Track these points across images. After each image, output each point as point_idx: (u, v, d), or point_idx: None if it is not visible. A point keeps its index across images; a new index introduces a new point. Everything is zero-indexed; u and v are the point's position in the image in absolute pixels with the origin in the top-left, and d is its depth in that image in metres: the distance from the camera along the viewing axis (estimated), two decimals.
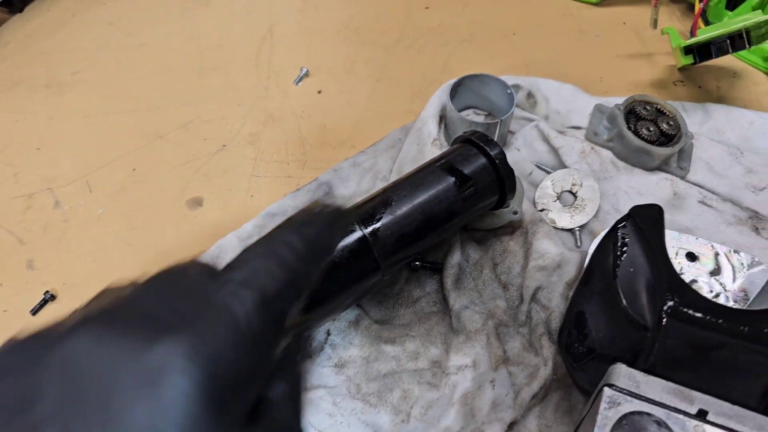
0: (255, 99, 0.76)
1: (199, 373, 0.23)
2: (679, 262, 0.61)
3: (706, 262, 0.61)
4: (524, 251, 0.63)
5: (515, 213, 0.64)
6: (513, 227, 0.65)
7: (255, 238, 0.64)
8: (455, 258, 0.61)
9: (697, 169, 0.70)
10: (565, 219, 0.66)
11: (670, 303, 0.44)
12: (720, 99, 0.79)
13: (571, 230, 0.66)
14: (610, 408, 0.42)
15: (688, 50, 0.73)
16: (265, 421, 0.27)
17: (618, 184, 0.68)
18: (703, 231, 0.66)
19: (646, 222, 0.50)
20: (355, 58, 0.81)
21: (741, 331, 0.43)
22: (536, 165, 0.70)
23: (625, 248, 0.50)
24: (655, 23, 0.79)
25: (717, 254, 0.61)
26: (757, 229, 0.66)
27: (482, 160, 0.59)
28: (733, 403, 0.43)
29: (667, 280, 0.45)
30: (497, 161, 0.59)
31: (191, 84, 0.77)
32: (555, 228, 0.66)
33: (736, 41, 0.74)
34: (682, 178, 0.69)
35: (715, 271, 0.60)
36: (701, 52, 0.76)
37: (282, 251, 0.28)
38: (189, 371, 0.23)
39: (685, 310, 0.44)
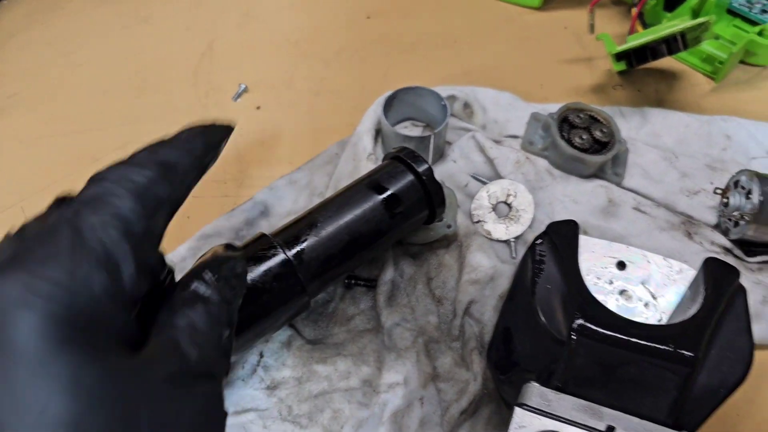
0: (193, 117, 0.75)
1: (41, 303, 0.21)
2: (610, 271, 0.61)
3: (637, 271, 0.61)
4: (459, 265, 0.64)
5: (449, 227, 0.64)
6: (449, 240, 0.65)
7: (190, 262, 0.63)
8: (388, 275, 0.61)
9: (633, 175, 0.70)
10: (500, 230, 0.66)
11: (579, 321, 0.44)
12: (659, 102, 0.80)
13: (506, 241, 0.66)
14: (520, 428, 0.42)
15: (620, 56, 0.74)
16: (152, 348, 0.26)
17: (554, 193, 0.69)
18: (637, 237, 0.66)
19: (561, 239, 0.50)
20: (294, 73, 0.81)
21: (648, 347, 0.43)
22: (472, 176, 0.70)
23: (542, 265, 0.50)
24: (592, 28, 0.79)
25: (648, 262, 0.61)
26: (689, 234, 0.67)
27: (409, 177, 0.59)
28: (643, 418, 0.44)
29: (577, 298, 0.46)
30: (424, 178, 0.59)
31: (129, 104, 0.77)
32: (490, 239, 0.66)
33: (672, 44, 0.74)
34: (618, 184, 0.70)
35: (646, 280, 0.60)
36: (638, 56, 0.77)
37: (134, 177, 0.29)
38: (29, 304, 0.21)
39: (593, 327, 0.44)
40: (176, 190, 0.31)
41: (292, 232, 0.56)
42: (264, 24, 0.86)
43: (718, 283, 0.47)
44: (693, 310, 0.47)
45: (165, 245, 0.64)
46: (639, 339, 0.43)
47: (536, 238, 0.51)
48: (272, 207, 0.68)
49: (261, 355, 0.59)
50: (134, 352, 0.25)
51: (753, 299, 0.62)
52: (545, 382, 0.45)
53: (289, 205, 0.68)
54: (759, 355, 0.60)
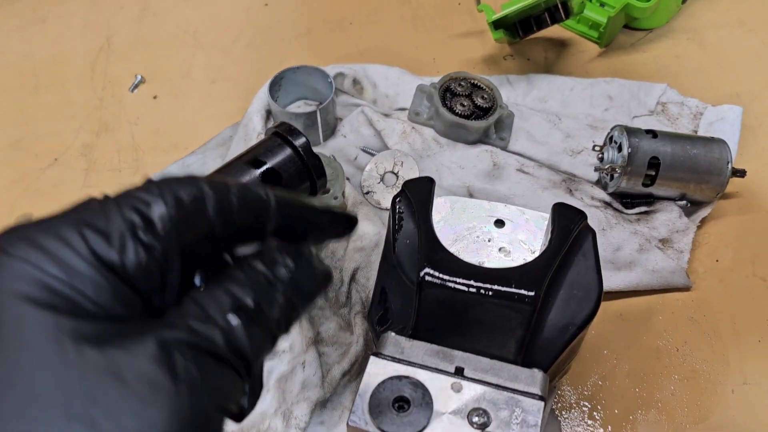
0: (89, 110, 0.77)
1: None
2: (489, 230, 0.63)
3: (515, 228, 0.63)
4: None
5: (336, 198, 0.66)
6: None
7: None
8: None
9: (518, 139, 0.73)
10: (389, 199, 0.68)
11: (426, 270, 0.46)
12: (548, 69, 0.82)
13: None
14: (373, 375, 0.43)
15: (497, 25, 0.76)
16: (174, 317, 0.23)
17: (441, 160, 0.71)
18: (521, 197, 0.68)
19: (416, 195, 0.52)
20: (192, 62, 0.82)
21: (491, 289, 0.45)
22: (362, 149, 0.72)
23: (401, 222, 0.52)
24: (478, 1, 0.82)
25: (526, 218, 0.64)
26: (570, 190, 0.69)
27: (287, 150, 0.60)
28: (493, 357, 0.46)
29: (425, 249, 0.47)
30: (301, 150, 0.60)
31: (23, 102, 0.77)
32: (380, 209, 0.68)
33: (555, 13, 0.77)
34: (503, 148, 0.72)
35: (523, 235, 0.63)
36: (524, 26, 0.79)
37: None
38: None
39: (438, 274, 0.46)
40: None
41: None
42: (162, 17, 0.87)
43: (563, 225, 0.50)
44: (538, 253, 0.49)
45: None
46: (483, 282, 0.45)
47: (395, 197, 0.53)
48: None
49: None
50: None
51: (630, 248, 0.65)
52: (401, 332, 0.47)
53: None
54: (637, 301, 0.63)
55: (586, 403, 0.57)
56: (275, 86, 0.72)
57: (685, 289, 0.64)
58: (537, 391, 0.44)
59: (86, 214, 0.23)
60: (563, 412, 0.57)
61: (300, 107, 0.76)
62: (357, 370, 0.57)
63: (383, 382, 0.43)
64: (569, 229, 0.50)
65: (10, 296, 0.21)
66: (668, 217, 0.67)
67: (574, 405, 0.57)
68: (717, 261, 0.66)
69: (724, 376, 0.59)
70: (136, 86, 0.79)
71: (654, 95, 0.78)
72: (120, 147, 0.74)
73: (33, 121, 0.76)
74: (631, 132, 0.65)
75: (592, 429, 0.56)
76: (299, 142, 0.60)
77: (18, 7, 0.87)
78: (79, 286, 0.22)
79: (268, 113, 0.73)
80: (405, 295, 0.51)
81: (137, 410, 0.21)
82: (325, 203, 0.65)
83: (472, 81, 0.73)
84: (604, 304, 0.63)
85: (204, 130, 0.75)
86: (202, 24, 0.86)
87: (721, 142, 0.66)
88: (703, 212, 0.68)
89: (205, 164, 0.71)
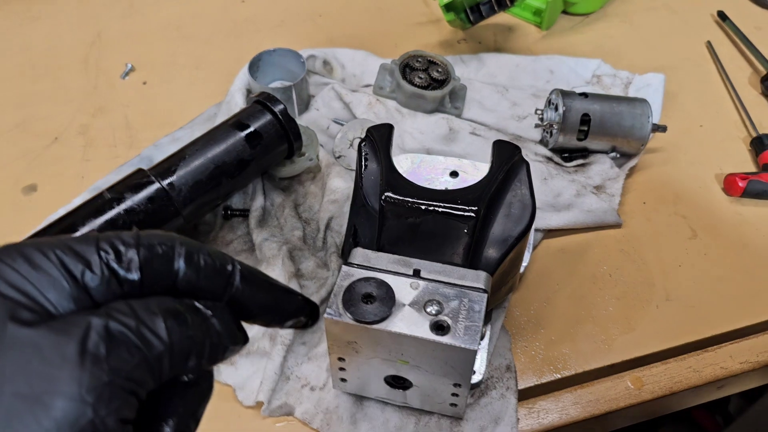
0: (85, 96, 0.85)
1: None
2: (445, 180, 0.72)
3: (467, 178, 0.72)
4: (322, 192, 0.74)
5: (311, 160, 0.74)
6: (313, 173, 0.76)
7: None
8: (258, 202, 0.71)
9: (471, 108, 0.82)
10: None
11: (386, 193, 0.55)
12: (497, 50, 0.92)
13: None
14: (344, 279, 0.52)
15: (448, 8, 0.86)
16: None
17: (403, 128, 0.80)
18: (474, 156, 0.78)
19: (379, 137, 0.61)
20: (177, 52, 0.91)
21: (440, 206, 0.54)
22: (333, 120, 0.81)
23: (367, 162, 0.61)
24: None
25: (477, 169, 0.73)
26: None
27: (267, 115, 0.69)
28: (444, 263, 0.55)
29: (386, 178, 0.56)
30: (279, 114, 0.69)
31: (23, 89, 0.85)
32: (350, 170, 0.77)
33: (502, 1, 0.87)
34: (458, 116, 0.82)
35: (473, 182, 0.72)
36: (475, 13, 0.89)
37: None
38: None
39: (396, 196, 0.55)
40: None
41: (165, 166, 0.65)
42: (147, 13, 0.96)
43: (501, 156, 0.59)
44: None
45: (63, 202, 0.72)
46: (433, 201, 0.54)
47: (361, 141, 0.62)
48: (157, 160, 0.77)
49: None
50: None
51: (569, 193, 0.75)
52: (367, 248, 0.56)
53: None
54: (575, 237, 0.72)
55: (533, 321, 0.66)
56: (254, 67, 0.81)
57: (617, 226, 0.73)
58: (481, 285, 0.52)
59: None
60: (513, 329, 0.65)
61: (276, 86, 0.85)
62: None
63: (353, 282, 0.52)
64: (506, 158, 0.59)
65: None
66: (601, 168, 0.77)
67: (523, 323, 0.66)
68: (644, 203, 0.76)
69: (650, 295, 0.68)
70: (126, 74, 0.87)
71: (590, 69, 0.89)
72: (115, 126, 0.82)
73: (33, 105, 0.84)
74: (565, 94, 0.75)
75: (537, 341, 0.65)
76: (278, 108, 0.69)
77: (11, 8, 0.95)
78: (41, 287, 0.26)
79: (248, 91, 0.82)
80: (371, 226, 0.60)
81: (46, 375, 0.23)
82: (303, 165, 0.74)
83: (429, 58, 0.82)
84: (547, 241, 0.73)
85: (190, 110, 0.83)
86: (185, 18, 0.95)
87: (643, 101, 0.76)
88: (631, 162, 0.78)
89: (193, 137, 0.79)
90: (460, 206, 0.54)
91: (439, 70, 0.81)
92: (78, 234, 0.34)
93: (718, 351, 0.65)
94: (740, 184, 0.74)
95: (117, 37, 0.92)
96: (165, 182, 0.64)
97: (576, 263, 0.71)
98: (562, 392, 0.62)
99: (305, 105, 0.83)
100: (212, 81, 0.87)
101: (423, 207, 0.54)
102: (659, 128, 0.77)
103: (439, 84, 0.81)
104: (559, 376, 0.63)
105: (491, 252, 0.57)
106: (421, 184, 0.73)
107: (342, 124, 0.80)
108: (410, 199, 0.55)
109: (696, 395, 0.64)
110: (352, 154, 0.78)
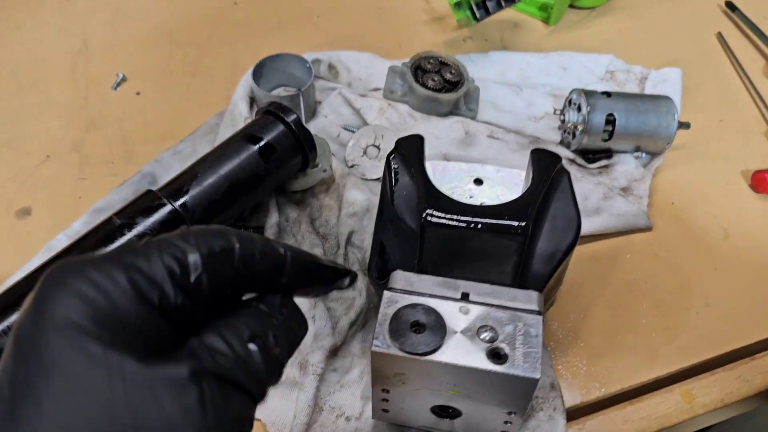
0: (75, 109, 0.79)
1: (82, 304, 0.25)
2: (469, 188, 0.69)
3: (493, 185, 0.69)
4: (338, 204, 0.70)
5: (325, 171, 0.70)
6: (327, 185, 0.72)
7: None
8: (273, 219, 0.67)
9: (485, 109, 0.79)
10: (373, 171, 0.73)
11: (427, 211, 0.51)
12: (504, 48, 0.89)
13: (379, 179, 0.73)
14: (389, 306, 0.48)
15: (457, 5, 0.82)
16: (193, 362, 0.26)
17: (417, 132, 0.76)
18: (493, 160, 0.74)
19: (409, 150, 0.57)
20: (170, 59, 0.86)
21: (486, 223, 0.51)
22: (343, 127, 0.77)
23: (397, 176, 0.57)
24: None
25: (502, 175, 0.70)
26: None
27: (280, 126, 0.65)
28: (492, 283, 0.51)
29: (424, 194, 0.53)
30: (293, 126, 0.65)
31: (8, 104, 0.79)
32: (365, 179, 0.73)
33: None
34: (473, 118, 0.78)
35: (502, 191, 0.69)
36: (481, 9, 0.86)
37: None
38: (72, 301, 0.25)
39: (439, 214, 0.51)
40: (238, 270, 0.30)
41: (175, 186, 0.61)
42: (136, 18, 0.90)
43: (542, 166, 0.56)
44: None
45: (61, 226, 0.67)
46: (479, 218, 0.51)
47: (389, 154, 0.58)
48: (160, 177, 0.72)
49: None
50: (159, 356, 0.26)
51: (596, 197, 0.72)
52: (408, 270, 0.52)
53: (176, 173, 0.73)
54: (606, 243, 0.70)
55: (572, 335, 0.63)
56: (257, 74, 0.76)
57: (647, 229, 0.71)
58: (535, 307, 0.49)
59: (131, 258, 0.27)
60: (552, 344, 0.62)
61: (279, 93, 0.81)
62: (362, 320, 0.62)
63: (399, 310, 0.48)
64: (547, 169, 0.56)
65: (65, 325, 0.24)
66: (626, 168, 0.74)
67: (561, 337, 0.63)
68: (672, 204, 0.73)
69: (689, 301, 0.66)
70: (118, 84, 0.82)
71: (602, 64, 0.86)
72: (110, 141, 0.77)
73: (21, 121, 0.78)
74: (588, 94, 0.72)
75: (578, 356, 0.62)
76: (291, 118, 0.65)
77: None
78: (123, 319, 0.25)
79: (252, 99, 0.77)
80: (404, 244, 0.56)
81: (169, 429, 0.24)
82: (317, 177, 0.70)
83: (440, 59, 0.79)
84: (577, 248, 0.69)
85: (190, 120, 0.78)
86: (176, 24, 0.90)
87: (667, 99, 0.74)
88: (657, 162, 0.75)
89: (195, 150, 0.75)
90: (507, 222, 0.51)
91: (452, 71, 0.78)
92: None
93: (766, 358, 0.62)
94: None
95: (105, 46, 0.87)
96: (177, 203, 0.59)
97: (609, 271, 0.68)
98: (611, 410, 0.59)
99: (312, 112, 0.78)
100: (210, 89, 0.83)
101: (469, 225, 0.51)
102: (683, 125, 0.74)
103: (452, 86, 0.77)
104: (605, 392, 0.60)
105: (538, 268, 0.54)
106: (446, 192, 0.70)
107: (353, 131, 0.76)
108: (455, 217, 0.51)
109: (747, 406, 0.62)
110: (366, 163, 0.74)
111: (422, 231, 0.51)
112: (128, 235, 0.57)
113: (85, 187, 0.72)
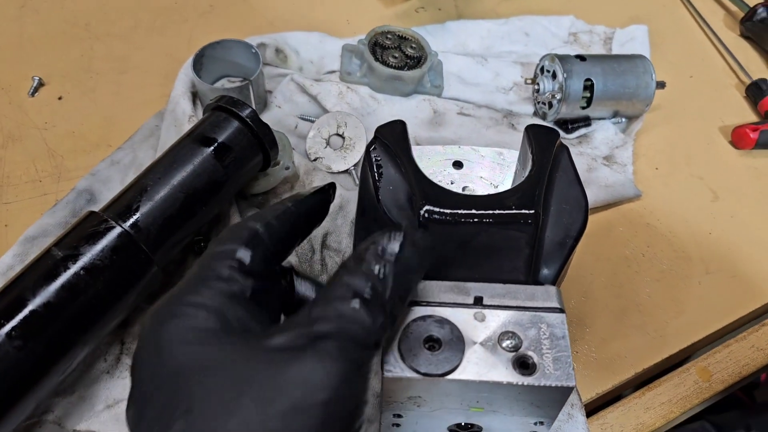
0: None
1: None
2: (449, 173, 0.63)
3: (473, 167, 0.63)
4: None
5: (287, 168, 0.63)
6: (291, 183, 0.65)
7: (17, 269, 0.57)
8: None
9: (451, 84, 0.73)
10: (339, 162, 0.66)
11: (426, 207, 0.45)
12: (460, 16, 0.83)
13: (347, 171, 0.66)
14: (396, 323, 0.42)
15: None
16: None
17: (382, 116, 0.70)
18: (467, 139, 0.69)
19: (392, 139, 0.51)
20: (91, 55, 0.76)
21: (492, 215, 0.45)
22: (300, 117, 0.69)
23: (381, 169, 0.50)
24: None
25: (481, 156, 0.64)
26: (512, 125, 0.70)
27: (234, 123, 0.57)
28: (504, 282, 0.46)
29: (418, 188, 0.47)
30: (250, 121, 0.57)
31: None
32: (332, 173, 0.66)
33: None
34: (439, 95, 0.72)
35: (483, 173, 0.63)
36: None
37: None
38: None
39: (439, 210, 0.45)
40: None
41: (122, 203, 0.52)
42: (46, 12, 0.79)
43: (541, 144, 0.50)
44: (526, 173, 0.49)
45: None
46: (483, 209, 0.45)
47: (369, 145, 0.52)
48: (99, 193, 0.63)
49: (122, 342, 0.55)
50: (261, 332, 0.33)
51: (580, 169, 0.66)
52: None
53: (117, 187, 0.64)
54: (597, 217, 0.65)
55: (575, 320, 0.59)
56: (196, 65, 0.68)
57: (636, 198, 0.67)
58: (556, 304, 0.44)
59: (201, 274, 0.35)
60: None
61: (224, 85, 0.73)
62: None
63: (408, 325, 0.42)
64: (547, 147, 0.50)
65: (183, 342, 0.31)
66: (605, 135, 0.70)
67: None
68: (657, 169, 0.70)
69: (689, 270, 0.63)
70: (35, 89, 0.72)
71: (564, 27, 0.81)
72: (34, 156, 0.67)
73: None
74: (562, 59, 0.67)
75: (586, 343, 0.57)
76: (245, 112, 0.58)
77: None
78: (224, 319, 0.32)
79: (194, 95, 0.68)
80: None
81: (294, 390, 0.28)
82: (279, 176, 0.63)
83: (398, 33, 0.72)
84: None
85: (124, 124, 0.69)
86: (93, 14, 0.80)
87: (642, 58, 0.70)
88: (636, 125, 0.71)
89: (136, 158, 0.66)
90: (516, 211, 0.45)
91: (413, 45, 0.71)
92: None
93: None
94: (752, 135, 0.70)
95: (13, 45, 0.76)
96: (128, 224, 0.51)
97: (604, 246, 0.64)
98: (630, 400, 0.55)
99: (263, 103, 0.70)
100: (143, 86, 0.73)
101: (474, 219, 0.45)
102: (659, 85, 0.70)
103: (415, 62, 0.71)
104: (620, 379, 0.56)
105: (549, 259, 0.49)
106: None
107: (312, 121, 0.69)
108: (458, 212, 0.45)
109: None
110: (331, 154, 0.67)
111: (422, 230, 0.45)
112: (74, 269, 0.48)
113: (11, 214, 0.63)
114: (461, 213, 0.45)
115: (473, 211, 0.45)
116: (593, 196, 0.65)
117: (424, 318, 0.42)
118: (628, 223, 0.65)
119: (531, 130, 0.51)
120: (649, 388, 0.55)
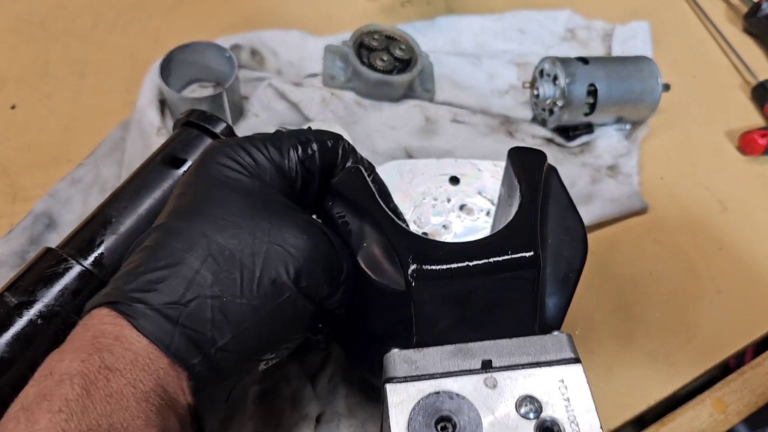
0: None
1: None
2: (445, 189, 0.58)
3: (471, 182, 0.59)
4: None
5: None
6: None
7: None
8: None
9: (443, 87, 0.68)
10: None
11: (412, 267, 0.39)
12: (450, 10, 0.78)
13: None
14: (398, 406, 0.37)
15: None
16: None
17: (369, 125, 0.64)
18: (462, 149, 0.64)
19: (350, 188, 0.44)
20: (47, 57, 0.69)
21: (489, 264, 0.40)
22: (280, 127, 0.63)
23: (348, 226, 0.44)
24: None
25: (479, 170, 0.59)
26: (510, 132, 0.66)
27: (207, 141, 0.51)
28: (510, 335, 0.41)
29: (397, 242, 0.41)
30: (222, 137, 0.51)
31: None
32: None
33: None
34: (431, 100, 0.67)
35: (481, 188, 0.58)
36: None
37: None
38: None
39: (430, 267, 0.39)
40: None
41: (83, 237, 0.47)
42: None
43: (529, 171, 0.45)
44: (515, 207, 0.44)
45: None
46: (478, 260, 0.40)
47: (326, 201, 0.45)
48: (59, 216, 0.57)
49: None
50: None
51: (583, 181, 0.63)
52: (404, 344, 0.40)
53: (78, 209, 0.58)
54: (601, 233, 0.61)
55: (581, 346, 0.55)
56: (164, 70, 0.61)
57: (643, 211, 0.63)
58: (570, 354, 0.40)
59: (267, 136, 0.40)
60: None
61: (195, 91, 0.67)
62: (343, 372, 0.51)
63: (414, 407, 0.37)
64: (534, 173, 0.45)
65: (220, 173, 0.37)
66: (609, 143, 0.66)
67: None
68: (662, 178, 0.66)
69: (699, 290, 0.59)
70: None
71: (561, 22, 0.76)
72: None
73: None
74: (563, 62, 0.62)
75: (594, 373, 0.54)
76: (220, 128, 0.52)
77: None
78: (262, 173, 0.38)
79: (162, 103, 0.62)
80: (383, 311, 0.44)
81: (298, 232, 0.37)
82: None
83: (385, 33, 0.66)
84: None
85: (85, 136, 0.63)
86: (48, 11, 0.73)
87: (648, 60, 0.65)
88: (641, 132, 0.67)
89: (99, 176, 0.60)
90: (514, 256, 0.40)
91: (402, 47, 0.66)
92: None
93: None
94: (761, 141, 0.66)
95: None
96: (88, 262, 0.45)
97: (610, 265, 0.60)
98: None
99: (239, 111, 0.64)
100: (104, 92, 0.67)
101: (470, 270, 0.40)
102: (664, 88, 0.66)
103: (404, 64, 0.65)
104: (632, 414, 0.52)
105: (552, 299, 0.44)
106: (419, 199, 0.59)
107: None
108: (450, 266, 0.39)
109: None
110: None
111: (412, 292, 0.40)
112: (28, 316, 0.43)
113: None
114: (454, 268, 0.39)
115: (470, 264, 0.40)
116: (598, 210, 0.60)
117: (429, 396, 0.37)
118: (634, 239, 0.61)
119: (516, 155, 0.45)
120: (663, 423, 0.52)
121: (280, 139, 0.40)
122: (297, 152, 0.39)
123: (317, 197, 0.42)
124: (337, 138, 0.42)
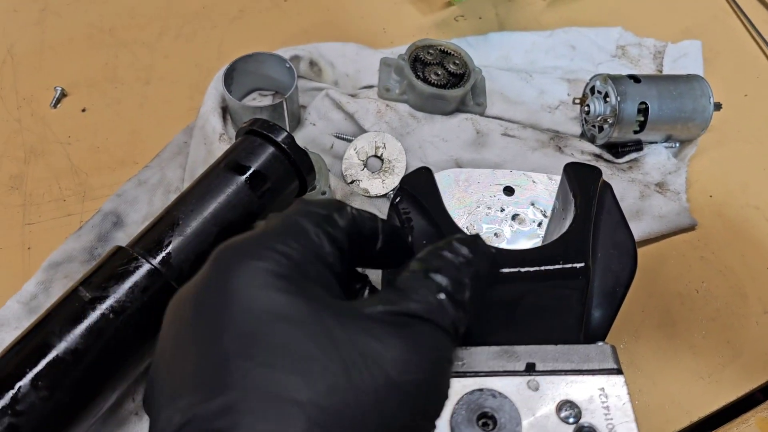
0: (7, 135, 0.66)
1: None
2: (499, 199, 0.60)
3: (524, 193, 0.60)
4: None
5: (323, 193, 0.60)
6: None
7: (42, 298, 0.54)
8: None
9: (494, 102, 0.69)
10: (377, 185, 0.63)
11: None
12: (501, 26, 0.79)
13: (385, 195, 0.63)
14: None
15: None
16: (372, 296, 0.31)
17: (422, 136, 0.66)
18: (512, 162, 0.65)
19: (420, 189, 0.47)
20: (116, 64, 0.72)
21: (540, 272, 0.41)
22: (336, 136, 0.66)
23: (411, 222, 0.46)
24: None
25: (533, 182, 0.61)
26: (559, 148, 0.67)
27: (269, 149, 0.54)
28: (555, 341, 0.42)
29: None
30: (285, 146, 0.54)
31: None
32: (369, 197, 0.63)
33: None
34: (482, 114, 0.69)
35: (534, 200, 0.60)
36: None
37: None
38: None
39: None
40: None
41: (152, 238, 0.49)
42: (67, 17, 0.76)
43: (584, 186, 0.46)
44: (569, 220, 0.45)
45: (9, 287, 0.55)
46: (530, 267, 0.41)
47: (394, 197, 0.47)
48: (125, 215, 0.61)
49: None
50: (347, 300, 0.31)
51: (632, 197, 0.64)
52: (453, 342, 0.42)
53: (144, 209, 0.61)
54: (649, 249, 0.62)
55: (626, 361, 0.56)
56: (227, 79, 0.64)
57: (690, 228, 0.63)
58: (613, 365, 0.41)
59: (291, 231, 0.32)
60: None
61: (255, 99, 0.69)
62: None
63: (458, 402, 0.39)
64: (589, 188, 0.46)
65: (263, 286, 0.28)
66: (657, 160, 0.66)
67: None
68: (711, 196, 0.66)
69: (746, 309, 0.59)
70: (57, 100, 0.69)
71: (612, 39, 0.77)
72: (57, 173, 0.64)
73: None
74: (615, 80, 0.63)
75: (639, 387, 0.54)
76: (281, 137, 0.54)
77: None
78: (305, 273, 0.30)
79: (224, 110, 0.65)
80: None
81: (391, 365, 0.27)
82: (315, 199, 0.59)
83: (440, 47, 0.68)
84: None
85: (151, 140, 0.66)
86: (118, 19, 0.76)
87: (699, 79, 0.66)
88: (690, 150, 0.67)
89: (164, 177, 0.63)
90: (565, 266, 0.42)
91: (456, 61, 0.67)
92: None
93: None
94: None
95: (34, 52, 0.73)
96: (157, 261, 0.48)
97: (657, 281, 0.60)
98: None
99: (297, 119, 0.67)
100: (169, 98, 0.70)
101: (521, 276, 0.41)
102: (716, 107, 0.66)
103: (457, 79, 0.67)
104: (674, 429, 0.53)
105: (598, 311, 0.45)
106: (472, 206, 0.60)
107: (349, 140, 0.65)
108: (503, 270, 0.41)
109: None
110: (369, 177, 0.63)
111: None
112: (101, 309, 0.45)
113: (33, 235, 0.60)
114: (506, 272, 0.41)
115: (521, 270, 0.42)
116: (647, 227, 0.61)
117: (473, 392, 0.39)
118: (680, 256, 0.62)
119: (571, 170, 0.47)
120: None
121: (302, 219, 0.32)
122: (338, 223, 0.33)
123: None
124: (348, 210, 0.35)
